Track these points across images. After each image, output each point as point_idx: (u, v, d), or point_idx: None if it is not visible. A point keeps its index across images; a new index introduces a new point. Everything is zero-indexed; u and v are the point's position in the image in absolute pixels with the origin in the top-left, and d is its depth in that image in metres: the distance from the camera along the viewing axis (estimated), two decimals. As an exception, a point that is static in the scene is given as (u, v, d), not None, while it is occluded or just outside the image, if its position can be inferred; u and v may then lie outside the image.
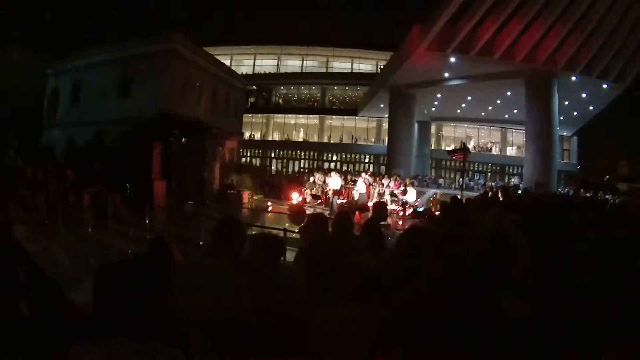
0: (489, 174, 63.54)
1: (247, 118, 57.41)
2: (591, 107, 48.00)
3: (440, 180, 52.68)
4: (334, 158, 67.70)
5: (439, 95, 48.65)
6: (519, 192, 26.65)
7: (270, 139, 70.89)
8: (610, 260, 5.24)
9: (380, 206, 9.54)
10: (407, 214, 25.45)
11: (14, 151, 26.26)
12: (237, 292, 3.74)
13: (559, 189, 38.52)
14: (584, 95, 42.49)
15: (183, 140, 27.83)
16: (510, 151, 66.01)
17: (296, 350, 3.37)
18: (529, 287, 4.02)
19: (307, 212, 18.02)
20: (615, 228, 7.45)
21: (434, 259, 4.53)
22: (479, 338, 3.64)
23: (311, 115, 70.90)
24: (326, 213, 19.07)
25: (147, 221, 17.76)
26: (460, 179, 34.46)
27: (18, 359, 2.34)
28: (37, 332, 2.31)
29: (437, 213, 14.60)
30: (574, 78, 37.11)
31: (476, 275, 4.51)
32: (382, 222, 8.11)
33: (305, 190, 29.44)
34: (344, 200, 27.28)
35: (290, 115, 71.85)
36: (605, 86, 39.72)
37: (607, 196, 33.07)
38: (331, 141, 69.06)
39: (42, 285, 3.61)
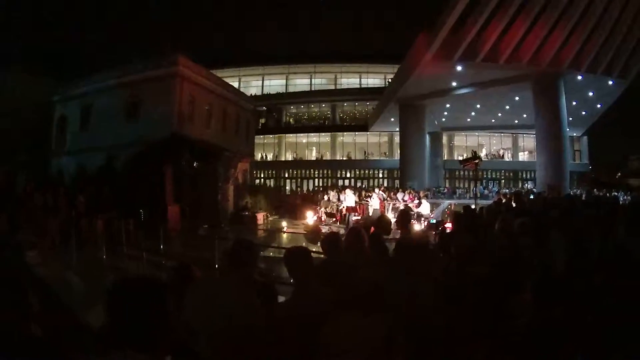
0: (503, 180, 63.39)
1: (258, 139, 57.73)
2: (599, 105, 48.00)
3: (458, 191, 52.62)
4: (348, 175, 67.73)
5: (448, 105, 48.75)
6: (532, 196, 26.52)
7: (283, 159, 70.99)
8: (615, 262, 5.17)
9: (382, 220, 9.50)
10: (422, 226, 25.36)
11: (24, 176, 26.41)
12: (250, 313, 3.73)
13: (572, 191, 38.28)
14: (590, 93, 42.48)
15: (195, 163, 27.86)
16: (523, 156, 65.89)
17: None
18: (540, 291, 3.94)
19: (323, 230, 17.98)
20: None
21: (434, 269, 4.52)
22: (489, 344, 3.60)
23: (323, 133, 71.02)
24: (342, 231, 19.06)
25: (161, 246, 17.78)
26: (474, 188, 34.33)
27: None
28: (48, 352, 2.30)
29: (447, 224, 14.53)
30: (579, 77, 37.12)
31: (488, 281, 4.47)
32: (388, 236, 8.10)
33: (320, 208, 29.37)
34: (359, 217, 27.20)
35: (301, 134, 71.94)
36: (610, 82, 39.70)
37: (616, 194, 32.95)
38: (344, 158, 68.89)
39: (54, 308, 3.61)
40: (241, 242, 4.40)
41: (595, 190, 36.54)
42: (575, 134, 58.54)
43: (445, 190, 52.05)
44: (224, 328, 3.59)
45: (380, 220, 9.09)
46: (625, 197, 32.41)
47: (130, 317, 2.34)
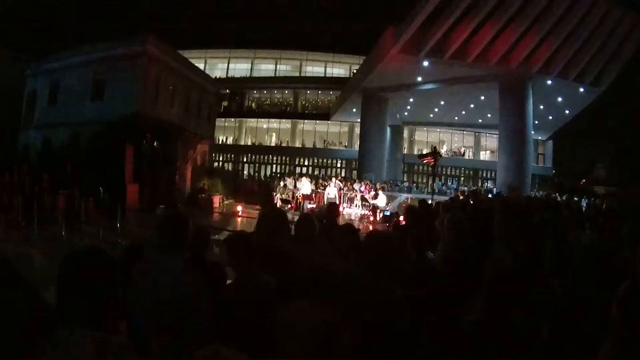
0: (462, 178, 63.44)
1: (219, 122, 57.24)
2: (567, 111, 48.21)
3: (415, 186, 52.90)
4: (306, 163, 67.83)
5: (411, 100, 48.81)
6: (490, 195, 26.82)
7: (242, 143, 70.62)
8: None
9: (330, 206, 9.72)
10: (377, 218, 25.53)
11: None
12: (190, 286, 3.79)
13: (535, 193, 38.67)
14: (559, 99, 42.62)
15: (155, 143, 27.73)
16: (484, 156, 65.95)
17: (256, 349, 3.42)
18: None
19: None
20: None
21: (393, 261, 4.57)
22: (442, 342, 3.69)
23: (284, 120, 70.94)
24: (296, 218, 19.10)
25: (118, 224, 17.78)
26: (432, 184, 34.53)
27: None
28: (6, 328, 2.34)
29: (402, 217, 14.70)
30: (549, 82, 37.23)
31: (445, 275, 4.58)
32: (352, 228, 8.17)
33: (275, 194, 29.41)
34: (315, 205, 27.30)
35: (262, 120, 71.69)
36: (581, 90, 39.91)
37: (576, 199, 33.43)
38: (304, 146, 68.91)
39: (14, 284, 3.62)
40: (173, 216, 4.44)
41: (557, 194, 36.93)
42: (540, 137, 59.13)
43: (407, 184, 52.34)
44: (168, 307, 3.64)
45: (330, 207, 9.25)
46: (588, 202, 32.84)
47: (76, 292, 2.41)
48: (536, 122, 41.22)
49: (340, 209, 25.20)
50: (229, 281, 4.69)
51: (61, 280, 2.45)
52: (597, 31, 34.53)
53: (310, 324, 3.20)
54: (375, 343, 3.66)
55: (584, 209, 24.05)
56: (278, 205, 27.66)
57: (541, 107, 42.90)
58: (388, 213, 25.13)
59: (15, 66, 36.12)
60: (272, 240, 5.43)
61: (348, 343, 3.14)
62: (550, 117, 49.94)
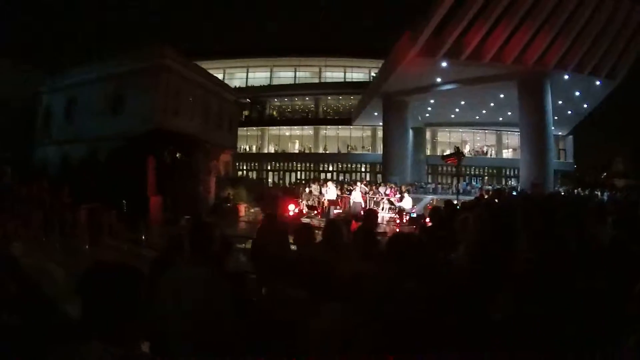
0: (486, 177, 63.20)
1: (241, 131, 57.56)
2: (585, 105, 48.00)
3: (440, 187, 52.75)
4: (330, 168, 67.82)
5: (432, 101, 48.71)
6: (514, 193, 26.62)
7: (265, 151, 70.87)
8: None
9: (370, 213, 9.52)
10: (404, 221, 25.38)
11: (9, 167, 26.28)
12: (214, 295, 3.74)
13: (556, 189, 38.41)
14: (577, 93, 42.48)
15: (177, 155, 27.79)
16: (507, 154, 65.85)
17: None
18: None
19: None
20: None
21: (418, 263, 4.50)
22: (469, 339, 3.60)
23: (306, 126, 70.98)
24: (323, 224, 19.08)
25: (143, 237, 17.79)
26: (457, 184, 34.41)
27: None
28: (26, 341, 2.29)
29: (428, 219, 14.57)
30: (566, 76, 37.08)
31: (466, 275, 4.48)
32: (379, 230, 8.08)
33: (301, 201, 29.37)
34: (341, 210, 27.22)
35: (285, 127, 72.01)
36: (597, 83, 39.73)
37: (598, 193, 33.17)
38: (327, 151, 68.87)
39: (34, 298, 3.59)
40: (200, 224, 4.39)
41: (579, 189, 36.70)
42: (560, 133, 58.54)
43: (433, 185, 52.25)
44: (195, 320, 3.60)
45: (368, 214, 9.13)
46: (609, 196, 32.56)
47: (96, 306, 2.34)
48: (556, 117, 40.98)
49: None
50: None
51: (83, 294, 2.39)
52: (609, 24, 34.39)
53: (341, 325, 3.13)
54: (401, 342, 3.59)
55: (605, 202, 23.87)
56: (304, 212, 27.70)
57: (559, 102, 42.75)
58: (414, 215, 24.99)
59: (29, 82, 36.32)
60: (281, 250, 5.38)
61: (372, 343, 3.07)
62: (569, 112, 49.68)
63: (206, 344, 3.51)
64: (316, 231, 6.16)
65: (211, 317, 3.59)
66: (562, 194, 31.48)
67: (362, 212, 24.96)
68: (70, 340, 2.28)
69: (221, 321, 3.62)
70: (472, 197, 26.51)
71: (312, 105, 71.03)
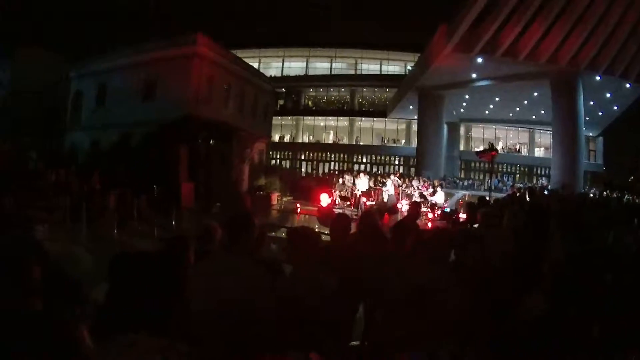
0: (518, 175, 62.92)
1: (276, 120, 57.76)
2: (615, 107, 47.78)
3: (469, 182, 52.58)
4: (364, 160, 67.69)
5: (466, 97, 48.67)
6: (545, 192, 26.43)
7: (300, 141, 70.77)
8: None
9: (415, 206, 9.53)
10: (435, 215, 25.31)
11: (36, 153, 26.55)
12: (255, 286, 3.75)
13: (585, 190, 38.15)
14: (608, 95, 42.28)
15: (210, 142, 27.92)
16: (539, 152, 65.35)
17: (312, 347, 3.37)
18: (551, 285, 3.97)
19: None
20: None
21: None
22: (504, 335, 3.62)
23: (341, 117, 70.84)
24: (355, 215, 19.06)
25: (173, 222, 17.88)
26: (489, 180, 34.20)
27: (27, 352, 2.35)
28: (49, 327, 2.30)
29: (462, 215, 14.52)
30: (597, 78, 36.89)
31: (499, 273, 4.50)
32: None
33: (334, 192, 29.39)
34: (373, 202, 27.19)
35: (319, 117, 71.87)
36: (627, 86, 39.49)
37: (630, 196, 32.84)
38: (361, 143, 68.80)
39: (59, 282, 3.61)
40: (239, 215, 4.40)
41: (608, 191, 36.35)
42: (591, 134, 58.19)
43: (470, 181, 52.11)
44: (233, 309, 3.57)
45: (413, 206, 9.14)
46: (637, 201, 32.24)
47: (130, 295, 2.35)
48: (587, 118, 40.69)
49: (399, 205, 25.09)
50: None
51: (114, 284, 2.40)
52: (638, 26, 33.79)
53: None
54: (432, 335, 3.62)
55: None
56: (337, 203, 27.73)
57: (591, 103, 42.46)
58: (448, 210, 24.91)
59: (58, 67, 36.58)
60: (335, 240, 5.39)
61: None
62: (600, 113, 49.34)
63: (243, 334, 3.53)
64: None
65: (249, 308, 3.59)
66: (591, 195, 31.20)
67: (395, 205, 25.01)
68: (103, 329, 2.29)
69: (259, 311, 3.64)
70: (503, 194, 26.37)
71: (348, 97, 70.84)
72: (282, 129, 69.61)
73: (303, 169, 66.35)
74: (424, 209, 26.45)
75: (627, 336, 3.56)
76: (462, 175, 59.32)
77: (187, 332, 3.05)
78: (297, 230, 4.63)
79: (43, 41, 38.39)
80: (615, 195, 32.52)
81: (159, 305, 2.40)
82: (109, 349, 2.21)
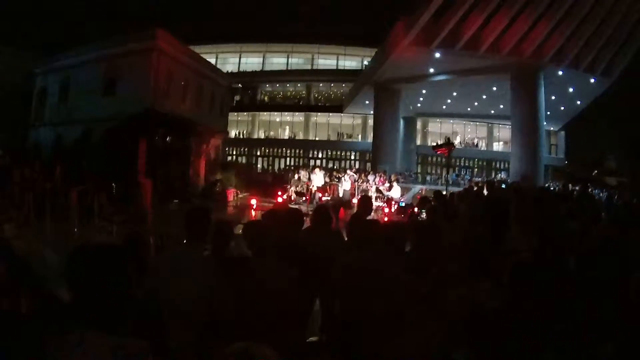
0: (476, 169, 63.45)
1: (232, 116, 57.71)
2: (578, 102, 48.18)
3: (429, 177, 53.06)
4: (320, 155, 67.65)
5: (424, 91, 48.90)
6: (503, 186, 26.71)
7: (256, 137, 70.83)
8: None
9: (366, 200, 9.56)
10: (392, 210, 25.45)
11: (1, 150, 26.21)
12: (212, 277, 3.79)
13: (547, 184, 38.58)
14: (571, 89, 42.57)
15: (168, 138, 27.78)
16: (497, 146, 66.10)
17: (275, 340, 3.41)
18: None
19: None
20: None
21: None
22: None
23: (297, 113, 70.97)
24: (310, 210, 19.12)
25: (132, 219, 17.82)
26: (446, 175, 34.45)
27: None
28: (17, 326, 2.28)
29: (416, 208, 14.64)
30: (560, 72, 37.18)
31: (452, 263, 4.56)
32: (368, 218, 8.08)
33: (290, 187, 29.42)
34: (329, 197, 27.28)
35: (275, 113, 71.96)
36: (592, 80, 39.83)
37: (594, 190, 33.42)
38: (317, 138, 69.00)
39: (25, 280, 3.60)
40: (196, 210, 4.43)
41: (570, 185, 36.90)
42: (552, 128, 58.98)
43: (433, 177, 52.70)
44: (190, 302, 3.62)
45: (363, 200, 9.19)
46: (601, 194, 32.84)
47: (86, 291, 2.34)
48: (548, 112, 41.07)
49: (354, 200, 25.16)
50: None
51: (70, 279, 2.38)
52: (606, 20, 34.37)
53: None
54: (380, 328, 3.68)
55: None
56: (293, 198, 27.77)
57: (553, 97, 42.82)
58: (403, 204, 25.05)
59: (23, 64, 36.19)
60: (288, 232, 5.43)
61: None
62: (562, 108, 49.75)
63: (204, 328, 3.57)
64: (304, 217, 6.19)
65: (208, 301, 3.64)
66: (555, 189, 31.61)
67: (351, 200, 25.08)
68: (63, 327, 2.28)
69: (219, 305, 3.66)
70: (461, 189, 26.63)
71: (304, 92, 71.02)
72: (238, 125, 69.62)
73: (259, 165, 66.40)
74: (380, 203, 26.64)
75: (593, 330, 3.62)
76: (419, 170, 59.82)
77: (144, 328, 3.06)
78: (251, 225, 4.66)
79: (7, 38, 37.78)
80: (577, 188, 33.09)
81: (110, 302, 2.39)
82: (59, 346, 2.19)
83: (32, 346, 2.11)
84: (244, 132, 71.12)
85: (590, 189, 32.82)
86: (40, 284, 3.91)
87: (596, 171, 59.14)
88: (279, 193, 27.29)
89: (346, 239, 6.12)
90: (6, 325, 2.21)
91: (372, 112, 51.60)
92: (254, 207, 26.24)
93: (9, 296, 3.01)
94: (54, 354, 2.17)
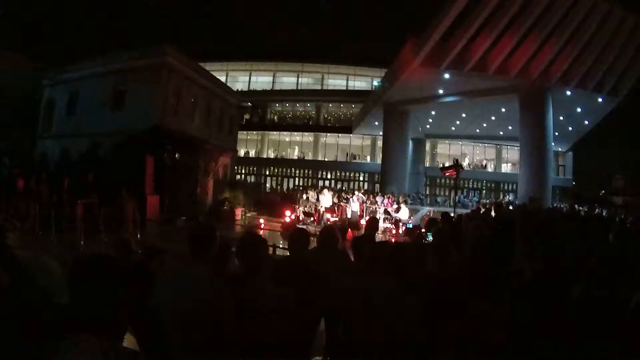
0: (484, 191, 63.46)
1: (242, 135, 57.82)
2: (586, 122, 48.00)
3: (439, 199, 53.00)
4: (329, 176, 67.79)
5: (433, 112, 48.77)
6: (511, 207, 26.61)
7: (265, 156, 70.87)
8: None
9: (373, 222, 9.51)
10: (400, 231, 25.36)
11: (8, 160, 26.32)
12: (215, 296, 3.76)
13: (555, 204, 38.44)
14: (578, 109, 42.46)
15: (176, 155, 27.80)
16: (505, 168, 65.89)
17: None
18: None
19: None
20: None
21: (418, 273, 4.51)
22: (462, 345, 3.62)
23: (306, 133, 70.96)
24: (318, 231, 19.01)
25: (138, 234, 17.82)
26: (455, 196, 34.40)
27: None
28: (17, 331, 2.28)
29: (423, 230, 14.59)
30: (568, 92, 37.07)
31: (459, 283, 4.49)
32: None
33: (298, 207, 29.40)
34: (337, 218, 27.21)
35: (285, 133, 71.82)
36: (600, 100, 39.70)
37: (599, 210, 33.31)
38: (326, 159, 69.02)
39: (27, 289, 3.59)
40: (200, 225, 4.39)
41: (577, 205, 36.79)
42: (560, 149, 58.67)
43: (443, 198, 52.71)
44: (191, 317, 3.59)
45: (370, 222, 9.14)
46: (606, 214, 32.81)
47: (83, 297, 2.33)
48: (556, 133, 40.89)
49: (363, 222, 25.07)
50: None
51: (70, 286, 2.39)
52: (613, 40, 34.45)
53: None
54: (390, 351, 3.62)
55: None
56: (301, 218, 27.75)
57: (561, 118, 42.79)
58: (410, 226, 24.96)
59: (31, 75, 36.34)
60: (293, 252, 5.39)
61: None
62: (570, 128, 49.64)
63: (203, 343, 3.54)
64: (312, 237, 6.13)
65: (208, 318, 3.61)
66: (563, 209, 31.53)
67: (359, 221, 25.02)
68: (60, 333, 2.27)
69: (218, 322, 3.61)
70: (469, 210, 26.51)
71: (313, 112, 71.07)
72: (247, 144, 69.74)
73: (267, 184, 66.21)
74: (388, 225, 26.56)
75: (598, 349, 3.56)
76: (428, 192, 59.75)
77: (152, 338, 3.06)
78: (246, 240, 4.59)
79: (16, 48, 38.01)
80: (585, 208, 32.94)
81: (105, 308, 2.36)
82: (57, 348, 2.20)
83: (31, 351, 2.12)
84: (253, 151, 71.13)
85: (597, 210, 32.73)
86: (42, 292, 3.90)
87: (603, 191, 59.11)
88: (287, 213, 27.26)
89: (352, 259, 6.07)
90: (6, 330, 2.21)
91: (381, 133, 51.44)
92: (262, 226, 26.20)
93: (10, 303, 3.00)
94: (51, 354, 2.19)
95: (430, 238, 9.57)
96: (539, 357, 3.45)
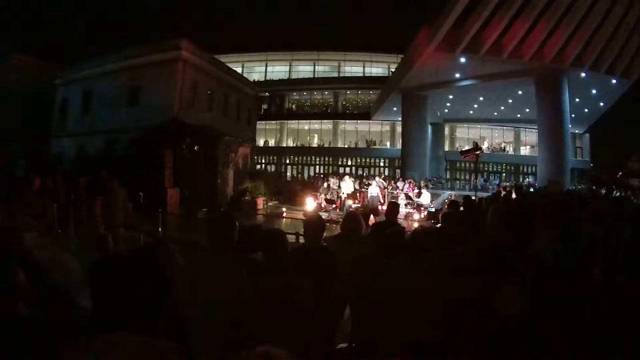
0: (504, 174, 63.20)
1: (260, 125, 57.70)
2: (601, 104, 47.85)
3: (457, 183, 52.87)
4: (349, 162, 67.69)
5: (450, 97, 48.67)
6: (532, 190, 26.50)
7: (284, 145, 70.89)
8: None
9: (393, 206, 9.53)
10: (422, 216, 25.33)
11: (23, 159, 26.47)
12: (238, 286, 3.78)
13: (573, 186, 38.25)
14: (594, 91, 42.28)
15: (195, 147, 27.87)
16: (524, 150, 65.53)
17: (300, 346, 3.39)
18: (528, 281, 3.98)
19: (323, 217, 18.05)
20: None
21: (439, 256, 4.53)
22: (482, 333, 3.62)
23: (325, 120, 70.85)
24: (341, 218, 19.04)
25: (159, 229, 17.83)
26: (475, 180, 34.22)
27: (13, 356, 2.36)
28: (35, 332, 2.31)
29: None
30: (583, 74, 36.90)
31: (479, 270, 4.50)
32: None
33: (320, 195, 29.38)
34: (359, 204, 27.19)
35: (303, 121, 71.85)
36: (614, 81, 39.53)
37: (619, 193, 33.07)
38: (345, 146, 68.94)
39: (45, 288, 3.62)
40: (220, 215, 4.45)
41: (594, 187, 36.51)
42: (577, 131, 58.48)
43: (465, 182, 52.60)
44: (214, 307, 3.64)
45: (393, 207, 9.15)
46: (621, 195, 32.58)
47: (114, 297, 2.36)
48: (573, 115, 40.62)
49: (384, 207, 25.07)
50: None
51: (95, 287, 2.43)
52: (624, 21, 34.05)
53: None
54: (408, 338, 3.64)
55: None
56: (323, 206, 27.73)
57: (577, 100, 42.56)
58: (432, 210, 24.91)
59: (43, 74, 36.43)
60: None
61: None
62: (586, 110, 49.45)
63: (227, 332, 3.56)
64: (334, 225, 6.18)
65: (231, 308, 3.63)
66: (580, 191, 31.35)
67: (379, 207, 24.99)
68: (86, 332, 2.30)
69: (241, 311, 3.65)
70: (489, 193, 26.40)
71: (331, 100, 71.05)
72: (266, 134, 69.49)
73: (288, 173, 66.39)
74: (410, 210, 26.51)
75: (618, 333, 3.55)
76: (448, 176, 59.59)
77: (174, 332, 3.08)
78: (265, 234, 4.63)
79: (30, 47, 38.18)
80: (603, 191, 32.70)
81: (140, 306, 2.41)
82: (94, 349, 2.21)
83: (46, 352, 2.13)
84: (273, 140, 71.18)
85: (615, 192, 32.49)
86: (61, 292, 3.93)
87: (620, 173, 58.58)
88: (309, 200, 27.25)
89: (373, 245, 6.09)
90: (23, 332, 2.23)
91: (399, 118, 51.39)
92: (284, 215, 26.24)
93: (29, 304, 3.03)
94: (89, 356, 2.21)
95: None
96: (558, 339, 3.47)
